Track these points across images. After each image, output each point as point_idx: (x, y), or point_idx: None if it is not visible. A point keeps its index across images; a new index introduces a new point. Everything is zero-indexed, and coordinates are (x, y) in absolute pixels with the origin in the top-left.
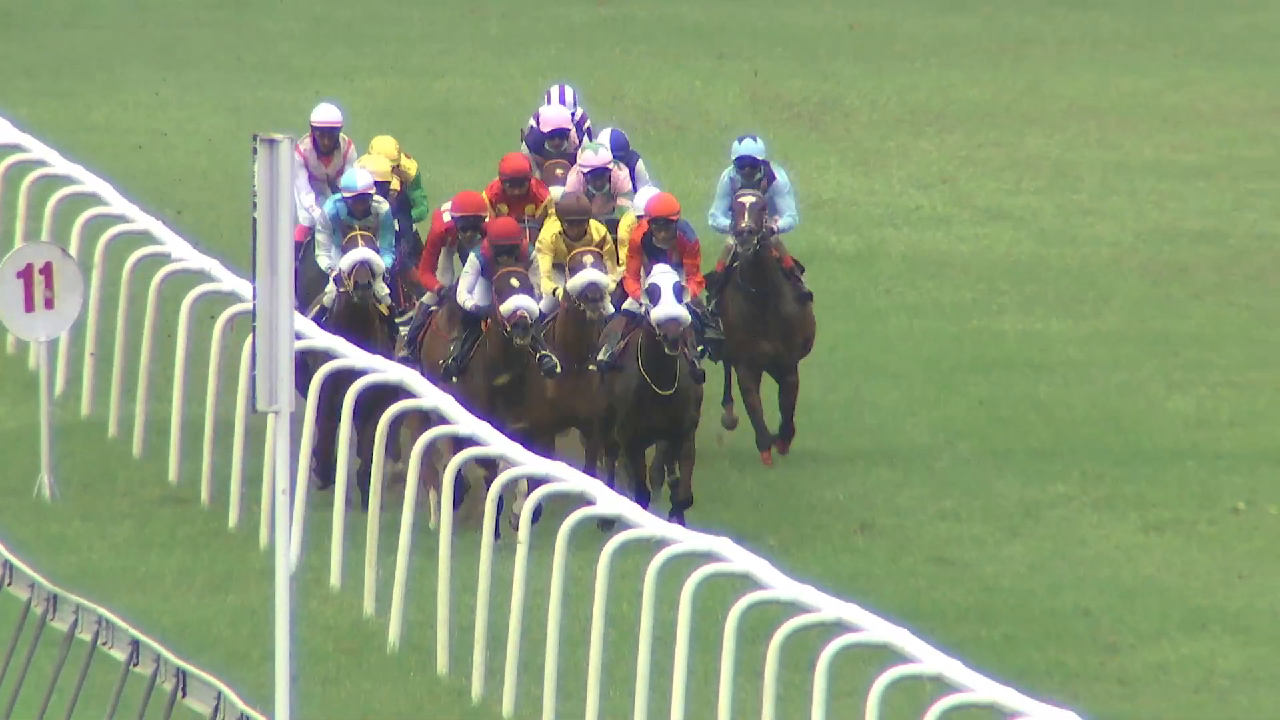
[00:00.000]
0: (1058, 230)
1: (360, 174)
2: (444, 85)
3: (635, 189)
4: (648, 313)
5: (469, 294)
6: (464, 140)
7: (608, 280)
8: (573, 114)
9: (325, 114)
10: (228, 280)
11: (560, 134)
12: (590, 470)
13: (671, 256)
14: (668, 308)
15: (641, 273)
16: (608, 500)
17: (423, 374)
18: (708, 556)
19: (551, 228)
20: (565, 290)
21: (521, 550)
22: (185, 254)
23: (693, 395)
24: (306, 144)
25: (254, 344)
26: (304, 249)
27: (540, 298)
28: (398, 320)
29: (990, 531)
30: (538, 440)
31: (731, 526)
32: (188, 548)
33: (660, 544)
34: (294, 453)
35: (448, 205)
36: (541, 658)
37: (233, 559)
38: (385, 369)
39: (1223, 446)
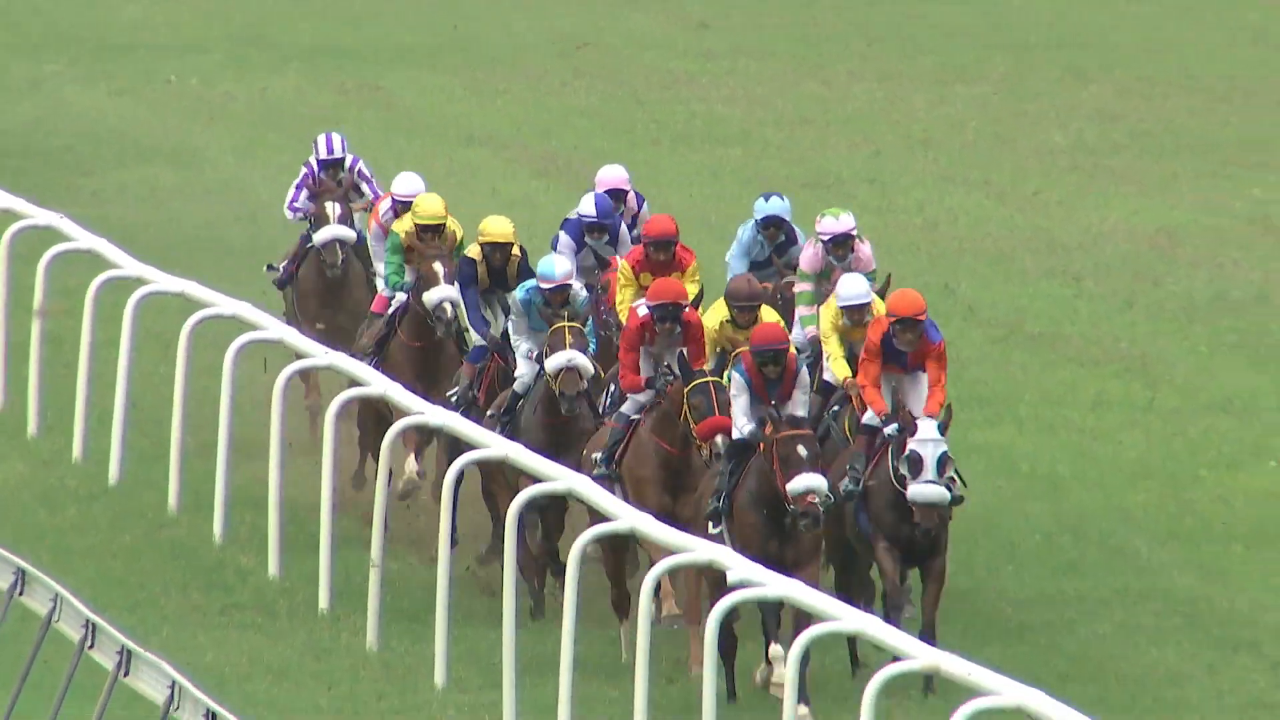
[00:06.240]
0: None
1: (559, 261)
2: None
3: (618, 251)
4: (888, 435)
5: (745, 417)
6: None
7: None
8: (342, 157)
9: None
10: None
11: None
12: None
13: (914, 360)
14: (928, 490)
15: (881, 381)
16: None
17: (625, 497)
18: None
19: (716, 315)
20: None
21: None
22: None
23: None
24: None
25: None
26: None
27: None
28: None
29: None
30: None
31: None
32: None
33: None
34: None
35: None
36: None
37: None
38: (559, 476)
39: None
